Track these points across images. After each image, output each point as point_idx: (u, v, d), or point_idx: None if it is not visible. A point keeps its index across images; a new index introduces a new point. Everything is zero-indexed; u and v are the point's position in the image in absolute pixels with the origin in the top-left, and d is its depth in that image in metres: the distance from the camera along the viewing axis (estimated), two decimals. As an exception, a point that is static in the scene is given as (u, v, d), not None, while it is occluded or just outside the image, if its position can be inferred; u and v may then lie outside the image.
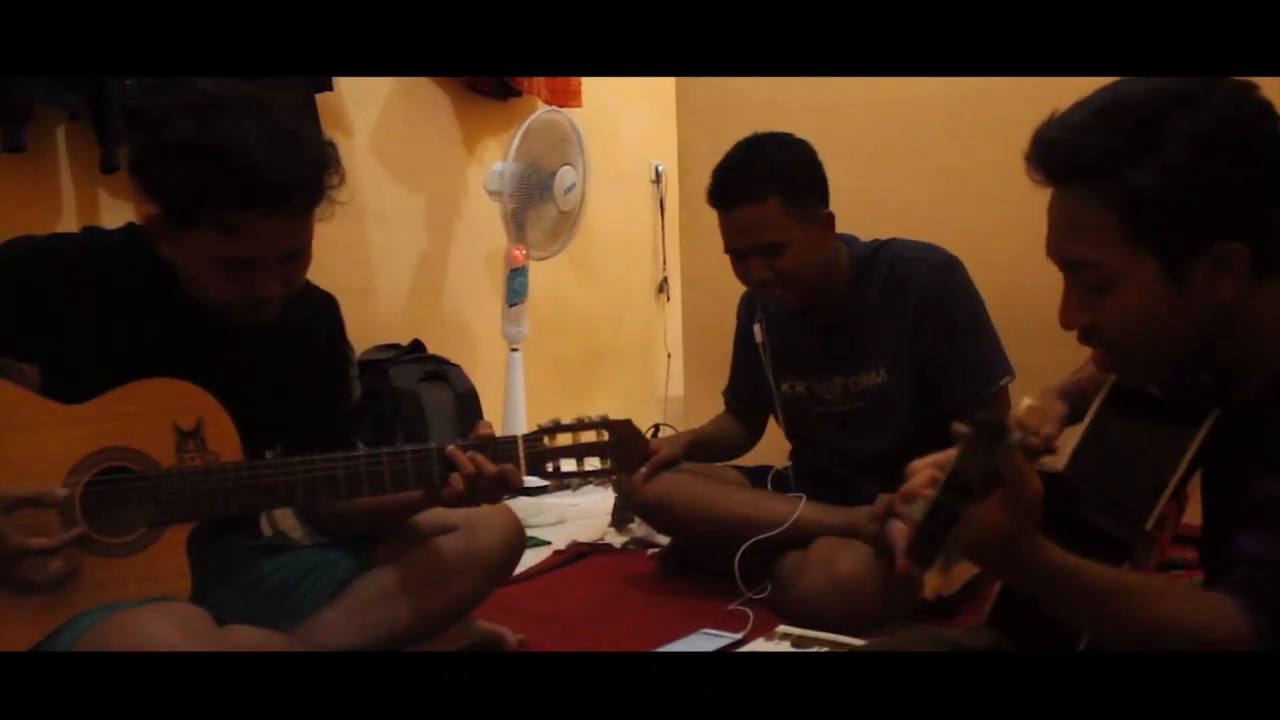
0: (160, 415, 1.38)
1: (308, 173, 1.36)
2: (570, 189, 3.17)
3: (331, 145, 1.42)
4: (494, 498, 1.49)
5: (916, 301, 1.94)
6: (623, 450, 1.51)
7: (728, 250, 1.95)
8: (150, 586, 1.33)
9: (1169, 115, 0.96)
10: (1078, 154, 1.00)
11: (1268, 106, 0.99)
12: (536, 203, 3.13)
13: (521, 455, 1.47)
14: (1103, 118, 0.99)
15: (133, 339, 1.41)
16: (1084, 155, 0.99)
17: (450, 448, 1.44)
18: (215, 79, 1.40)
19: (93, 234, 1.48)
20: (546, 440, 1.48)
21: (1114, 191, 0.97)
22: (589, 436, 1.50)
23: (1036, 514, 0.93)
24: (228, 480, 1.38)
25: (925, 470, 0.98)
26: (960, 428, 0.87)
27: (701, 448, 2.22)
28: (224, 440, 1.39)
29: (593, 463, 1.50)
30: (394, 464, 1.43)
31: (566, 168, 3.15)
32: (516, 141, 3.02)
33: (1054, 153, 1.01)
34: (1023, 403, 0.88)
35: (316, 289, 1.59)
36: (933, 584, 0.91)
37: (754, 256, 1.90)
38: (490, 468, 1.44)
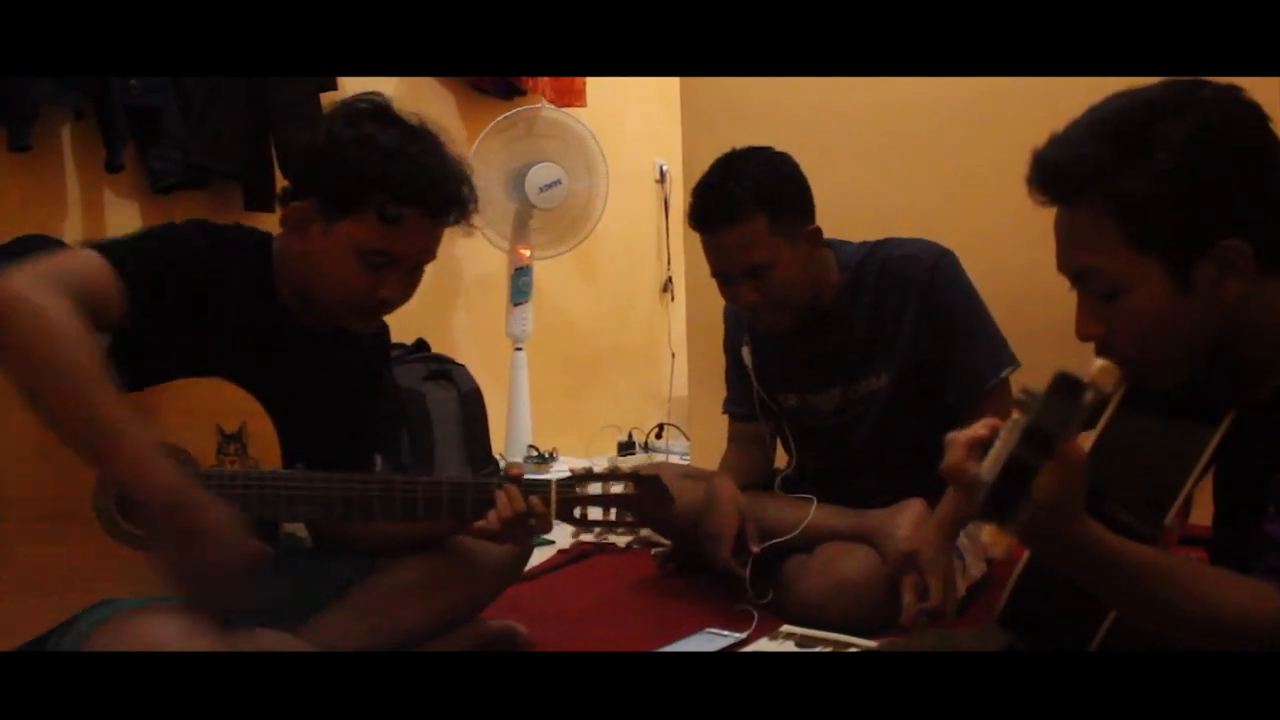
0: (204, 414, 1.39)
1: (463, 187, 1.50)
2: (550, 187, 3.17)
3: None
4: (522, 537, 1.52)
5: (917, 299, 1.90)
6: (648, 506, 1.54)
7: (714, 274, 1.88)
8: None
9: (1156, 122, 0.99)
10: (1073, 170, 1.02)
11: (1253, 106, 1.01)
12: (510, 200, 3.13)
13: (553, 499, 1.50)
14: (1094, 133, 1.02)
15: (207, 335, 1.43)
16: (1079, 170, 1.02)
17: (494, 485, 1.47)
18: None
19: (204, 226, 1.50)
20: (578, 487, 1.52)
21: (1111, 200, 1.00)
22: (616, 486, 1.54)
23: (1084, 487, 0.93)
24: (264, 488, 1.38)
25: (964, 439, 0.97)
26: (1031, 389, 0.88)
27: (743, 485, 2.05)
28: (266, 447, 1.40)
29: (616, 514, 1.54)
30: (429, 492, 1.44)
31: (544, 165, 3.14)
32: (478, 141, 3.03)
33: (1051, 172, 1.04)
34: (1096, 363, 0.89)
35: None
36: (1001, 543, 0.91)
37: (742, 279, 1.83)
38: (523, 507, 1.47)
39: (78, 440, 1.22)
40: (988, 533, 0.92)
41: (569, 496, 1.51)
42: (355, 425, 1.62)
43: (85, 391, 1.19)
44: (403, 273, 1.48)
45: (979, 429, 0.96)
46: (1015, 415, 0.90)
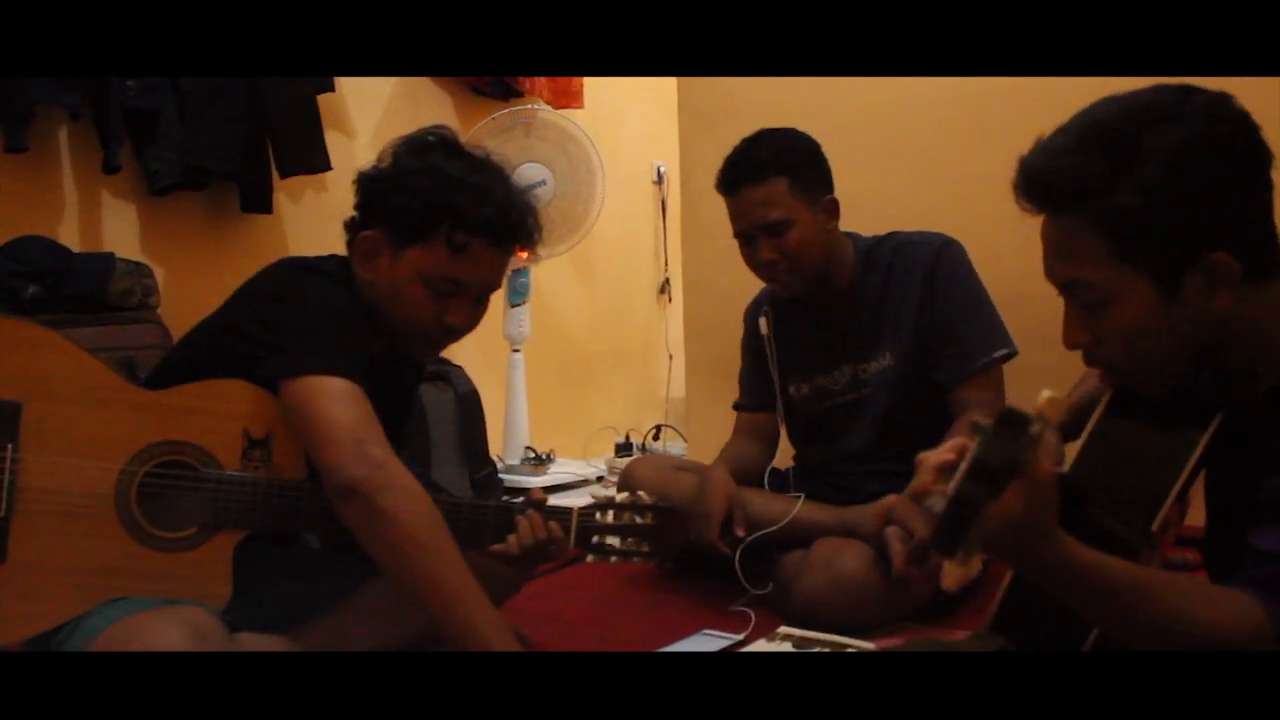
0: (233, 418, 1.39)
1: (529, 217, 1.55)
2: (534, 187, 3.17)
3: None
4: (538, 562, 1.56)
5: (921, 280, 1.99)
6: (664, 537, 1.59)
7: (736, 235, 2.00)
8: (192, 587, 1.34)
9: (1144, 133, 0.97)
10: (1060, 181, 1.01)
11: (1243, 116, 1.00)
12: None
13: (574, 527, 1.54)
14: (1081, 142, 1.01)
15: None
16: (1066, 182, 1.00)
17: (516, 510, 1.51)
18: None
19: (304, 267, 1.53)
20: (598, 516, 1.56)
21: (1099, 214, 0.99)
22: (634, 516, 1.59)
23: (1053, 506, 0.93)
24: (287, 497, 1.38)
25: (933, 463, 0.98)
26: (980, 421, 0.88)
27: (738, 477, 2.11)
28: (290, 456, 1.40)
29: (631, 543, 1.58)
30: (450, 513, 1.44)
31: (528, 165, 3.14)
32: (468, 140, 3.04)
33: (1038, 182, 1.03)
34: (1042, 395, 0.89)
35: None
36: (953, 575, 0.91)
37: (761, 237, 1.95)
38: (544, 534, 1.52)
39: (445, 628, 1.31)
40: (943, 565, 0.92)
41: (588, 525, 1.56)
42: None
43: (462, 591, 1.30)
44: (469, 301, 1.51)
45: (946, 453, 0.96)
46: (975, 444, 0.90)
